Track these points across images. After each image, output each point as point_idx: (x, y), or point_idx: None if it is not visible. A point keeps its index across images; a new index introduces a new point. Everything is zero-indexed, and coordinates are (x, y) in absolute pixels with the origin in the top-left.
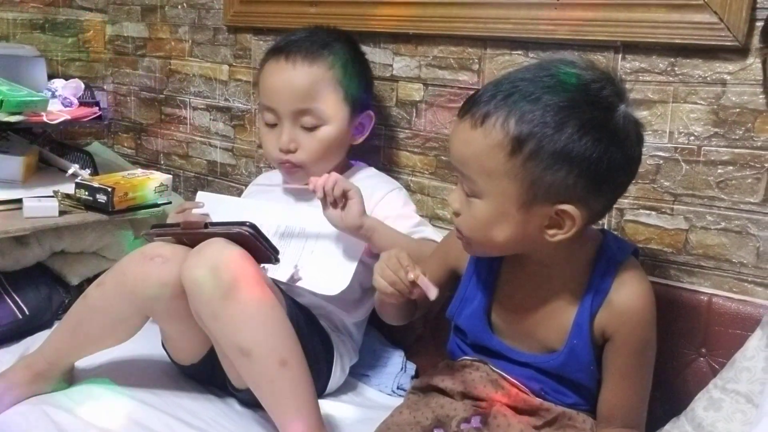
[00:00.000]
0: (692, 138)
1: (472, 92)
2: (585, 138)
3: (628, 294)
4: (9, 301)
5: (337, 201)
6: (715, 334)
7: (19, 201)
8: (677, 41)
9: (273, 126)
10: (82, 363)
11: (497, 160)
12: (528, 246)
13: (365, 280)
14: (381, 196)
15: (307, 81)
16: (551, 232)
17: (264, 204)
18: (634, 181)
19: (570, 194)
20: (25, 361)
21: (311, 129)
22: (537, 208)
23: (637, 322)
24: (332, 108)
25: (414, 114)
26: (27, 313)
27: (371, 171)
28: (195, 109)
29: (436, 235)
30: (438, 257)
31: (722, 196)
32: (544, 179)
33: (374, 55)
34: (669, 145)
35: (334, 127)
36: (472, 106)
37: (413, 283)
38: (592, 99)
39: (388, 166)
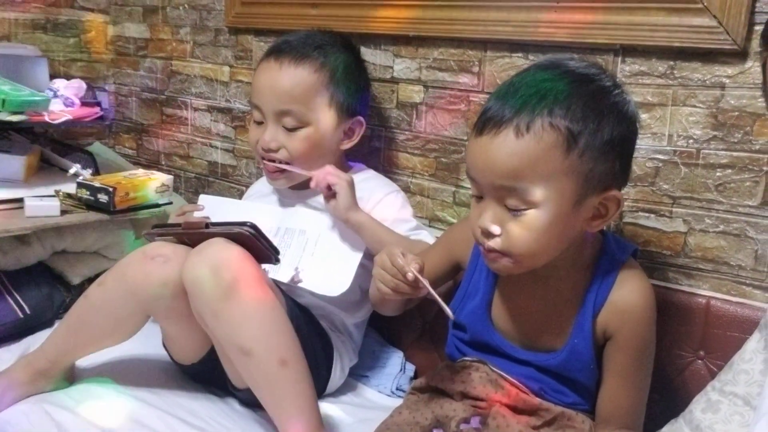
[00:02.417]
0: (691, 141)
1: (476, 100)
2: (619, 122)
3: (630, 293)
4: (10, 299)
5: (324, 192)
6: (713, 337)
7: (21, 200)
8: (676, 44)
9: (260, 123)
10: (82, 362)
11: (555, 161)
12: (567, 246)
13: (365, 282)
14: (378, 199)
15: (290, 82)
16: (596, 222)
17: (265, 206)
18: (632, 184)
19: (614, 179)
20: (26, 359)
21: (292, 130)
22: (587, 201)
23: (639, 321)
24: (315, 111)
25: (414, 116)
26: (28, 311)
27: (369, 173)
28: (196, 110)
29: (431, 239)
30: (441, 248)
31: (721, 198)
32: (596, 169)
33: (375, 57)
34: (668, 147)
35: (316, 129)
36: (499, 119)
37: (415, 281)
38: (606, 86)
39: (388, 168)
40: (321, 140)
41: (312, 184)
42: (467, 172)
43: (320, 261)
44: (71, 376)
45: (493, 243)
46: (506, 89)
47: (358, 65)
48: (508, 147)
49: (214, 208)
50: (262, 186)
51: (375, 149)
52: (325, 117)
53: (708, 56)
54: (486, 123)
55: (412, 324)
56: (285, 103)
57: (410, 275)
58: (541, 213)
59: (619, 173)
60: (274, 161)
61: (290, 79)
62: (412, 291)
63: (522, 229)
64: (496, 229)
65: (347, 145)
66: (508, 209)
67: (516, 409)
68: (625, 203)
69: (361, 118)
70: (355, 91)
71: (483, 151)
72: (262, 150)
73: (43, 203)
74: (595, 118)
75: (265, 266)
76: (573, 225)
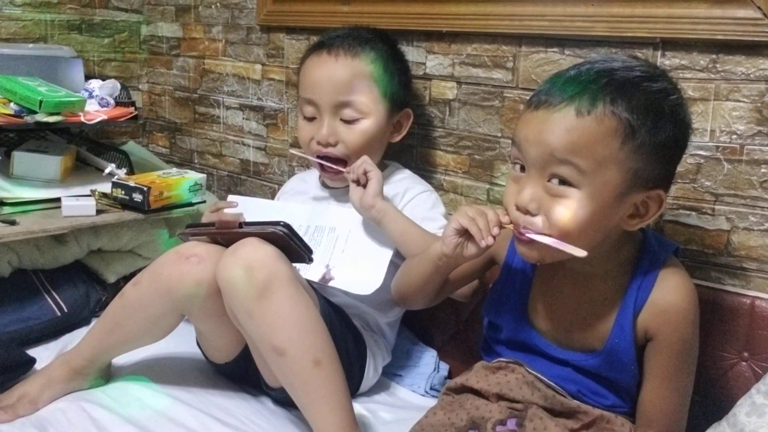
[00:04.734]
0: (734, 137)
1: (511, 96)
2: (676, 126)
3: (671, 293)
4: (48, 298)
5: (359, 179)
6: (758, 338)
7: (58, 200)
8: (719, 37)
9: (312, 119)
10: (119, 360)
11: (611, 148)
12: (601, 240)
13: None
14: (412, 197)
15: (349, 73)
16: (634, 221)
17: (293, 205)
18: (673, 181)
19: (659, 181)
20: (64, 357)
21: (351, 122)
22: (630, 197)
23: (681, 321)
24: (372, 102)
25: (447, 112)
26: (65, 310)
27: (406, 173)
28: (228, 108)
29: None
30: None
31: (766, 196)
32: (646, 169)
33: (407, 53)
34: (710, 143)
35: (374, 121)
36: (559, 96)
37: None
38: (668, 88)
39: (421, 166)
40: (377, 132)
41: (350, 176)
42: (515, 144)
43: (351, 258)
44: (108, 375)
45: (530, 220)
46: (567, 72)
47: (401, 59)
48: (568, 123)
49: (243, 207)
50: (296, 184)
51: (408, 147)
52: (381, 108)
53: (752, 49)
54: (544, 101)
55: (446, 322)
56: (346, 94)
57: (504, 218)
58: (583, 196)
59: (665, 177)
60: (330, 158)
61: (349, 70)
62: (486, 236)
63: (562, 208)
64: (534, 206)
65: (397, 138)
66: (549, 188)
67: (553, 412)
68: (666, 200)
69: (409, 111)
70: (404, 83)
71: (539, 122)
72: (318, 146)
73: (79, 203)
74: (655, 117)
75: (297, 265)
76: (611, 218)
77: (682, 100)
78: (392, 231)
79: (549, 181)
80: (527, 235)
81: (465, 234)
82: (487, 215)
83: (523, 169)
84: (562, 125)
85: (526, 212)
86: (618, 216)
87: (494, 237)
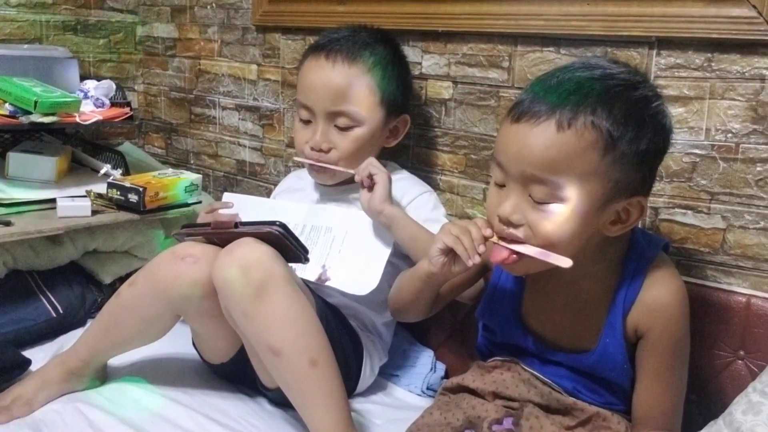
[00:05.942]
0: (730, 135)
1: (507, 96)
2: (656, 134)
3: (660, 291)
4: (43, 299)
5: (364, 182)
6: (753, 336)
7: (53, 201)
8: (714, 36)
9: (307, 122)
10: (114, 361)
11: (591, 161)
12: (582, 246)
13: (394, 281)
14: (411, 198)
15: (344, 82)
16: (615, 228)
17: (290, 204)
18: (668, 180)
19: (641, 188)
20: (59, 358)
21: (345, 129)
22: (612, 205)
23: (670, 318)
24: (368, 110)
25: (443, 112)
26: (61, 311)
27: (404, 173)
28: (224, 108)
29: None
30: None
31: (761, 194)
32: (627, 178)
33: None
34: (705, 142)
35: (368, 128)
36: (540, 109)
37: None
38: (648, 95)
39: (418, 165)
40: (371, 139)
41: (356, 178)
42: (495, 156)
43: (347, 259)
44: (103, 375)
45: (513, 232)
46: (548, 81)
47: (402, 63)
48: (547, 139)
49: (239, 205)
50: (292, 182)
51: (404, 146)
52: (377, 115)
53: (747, 48)
54: (525, 111)
55: (443, 323)
56: (340, 104)
57: (487, 231)
58: (566, 209)
59: (646, 183)
60: (321, 162)
61: (345, 78)
62: (473, 252)
63: (544, 221)
64: (517, 218)
65: (392, 143)
66: (532, 200)
67: (549, 409)
68: (661, 199)
69: (407, 116)
70: (403, 89)
71: (519, 138)
72: (311, 150)
73: (74, 203)
74: (636, 127)
75: (293, 265)
76: (593, 227)
77: (663, 106)
78: (401, 237)
79: (530, 195)
80: (511, 246)
81: (451, 253)
82: (471, 232)
83: (506, 177)
84: (541, 141)
85: (509, 223)
86: (600, 223)
87: (480, 254)
